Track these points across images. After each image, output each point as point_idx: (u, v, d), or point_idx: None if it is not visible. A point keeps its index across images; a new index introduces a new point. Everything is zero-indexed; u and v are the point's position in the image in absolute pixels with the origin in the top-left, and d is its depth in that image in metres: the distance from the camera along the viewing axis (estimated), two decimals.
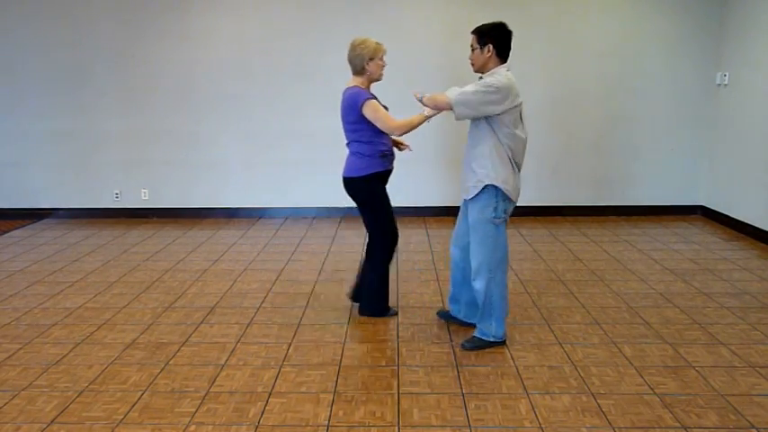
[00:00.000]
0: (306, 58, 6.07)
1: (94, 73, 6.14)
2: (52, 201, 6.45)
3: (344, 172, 3.52)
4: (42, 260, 4.94)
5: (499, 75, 3.03)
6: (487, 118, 3.04)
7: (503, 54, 3.10)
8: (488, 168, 3.07)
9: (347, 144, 3.52)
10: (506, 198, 3.11)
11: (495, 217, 3.11)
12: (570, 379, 2.90)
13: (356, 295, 3.79)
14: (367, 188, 3.48)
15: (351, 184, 3.50)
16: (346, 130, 3.49)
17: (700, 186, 6.26)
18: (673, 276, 4.40)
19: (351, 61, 3.44)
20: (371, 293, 3.67)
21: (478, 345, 3.24)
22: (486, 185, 3.08)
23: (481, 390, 2.81)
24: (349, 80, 3.50)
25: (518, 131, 3.08)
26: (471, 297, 3.39)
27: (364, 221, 3.59)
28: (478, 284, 3.19)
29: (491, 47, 3.06)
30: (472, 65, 3.18)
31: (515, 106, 3.04)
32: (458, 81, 3.42)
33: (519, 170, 3.17)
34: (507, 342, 3.31)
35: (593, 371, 2.98)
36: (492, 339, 3.25)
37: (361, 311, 3.72)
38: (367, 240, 3.63)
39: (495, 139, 3.05)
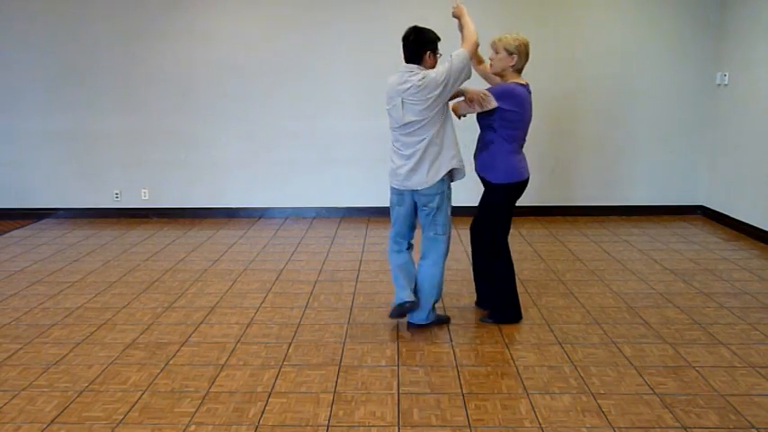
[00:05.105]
0: (305, 57, 6.07)
1: (94, 73, 6.14)
2: (52, 201, 6.45)
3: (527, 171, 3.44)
4: (42, 260, 4.94)
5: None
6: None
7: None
8: None
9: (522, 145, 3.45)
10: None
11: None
12: (570, 379, 2.91)
13: (484, 301, 3.71)
14: None
15: None
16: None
17: (700, 186, 6.26)
18: (673, 276, 4.40)
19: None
20: (507, 295, 3.56)
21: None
22: None
23: (481, 390, 2.81)
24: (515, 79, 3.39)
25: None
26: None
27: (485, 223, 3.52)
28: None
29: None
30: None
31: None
32: None
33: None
34: (507, 342, 3.31)
35: (593, 371, 2.98)
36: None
37: (495, 318, 3.58)
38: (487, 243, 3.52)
39: None
